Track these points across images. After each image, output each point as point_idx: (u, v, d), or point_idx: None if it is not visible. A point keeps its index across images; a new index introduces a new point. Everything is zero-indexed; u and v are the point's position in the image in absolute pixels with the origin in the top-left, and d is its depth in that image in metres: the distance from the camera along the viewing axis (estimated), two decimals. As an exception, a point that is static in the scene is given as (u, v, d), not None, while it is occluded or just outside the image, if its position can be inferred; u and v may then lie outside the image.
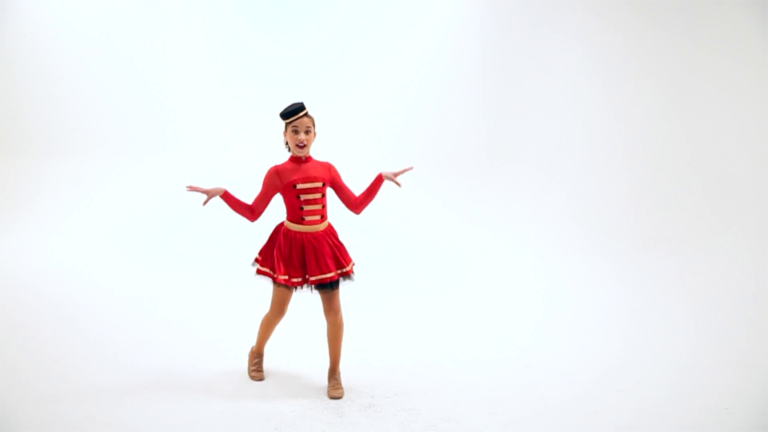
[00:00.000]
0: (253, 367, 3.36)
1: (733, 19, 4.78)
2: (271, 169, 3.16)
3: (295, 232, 3.11)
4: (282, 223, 3.20)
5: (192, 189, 3.20)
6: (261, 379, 3.30)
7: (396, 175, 3.14)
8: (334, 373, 3.21)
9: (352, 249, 3.25)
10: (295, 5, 7.66)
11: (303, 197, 3.07)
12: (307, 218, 3.09)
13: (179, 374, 3.34)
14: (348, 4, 7.54)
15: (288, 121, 3.08)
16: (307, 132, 3.07)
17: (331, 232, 3.17)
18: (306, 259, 3.08)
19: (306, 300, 4.76)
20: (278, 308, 3.22)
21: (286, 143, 3.16)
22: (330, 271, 3.06)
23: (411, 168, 3.15)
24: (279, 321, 3.29)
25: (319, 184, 3.09)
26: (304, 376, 3.35)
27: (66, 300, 4.66)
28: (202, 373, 3.36)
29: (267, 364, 3.51)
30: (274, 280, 3.12)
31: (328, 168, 3.16)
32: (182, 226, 6.58)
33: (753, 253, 4.49)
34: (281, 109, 3.12)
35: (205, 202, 3.25)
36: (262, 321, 3.34)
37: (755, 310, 4.11)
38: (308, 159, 3.14)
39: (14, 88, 7.54)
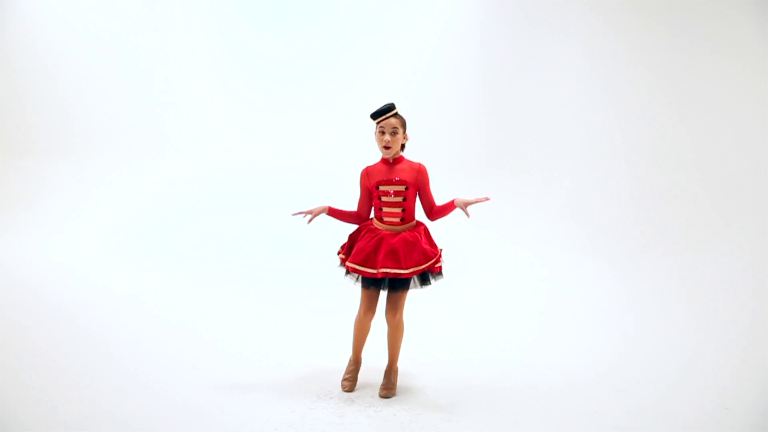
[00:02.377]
0: (346, 376, 3.22)
1: (733, 19, 4.77)
2: (363, 170, 3.18)
3: (377, 228, 3.12)
4: (370, 220, 3.19)
5: (297, 214, 3.24)
6: (349, 389, 3.16)
7: (467, 204, 3.08)
8: (389, 372, 3.18)
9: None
10: (295, 5, 7.66)
11: (384, 198, 3.08)
12: (386, 219, 3.09)
13: (179, 374, 3.34)
14: (348, 4, 7.54)
15: (376, 121, 3.06)
16: (393, 133, 3.04)
17: (415, 233, 3.08)
18: (378, 254, 3.02)
19: (306, 300, 4.77)
20: (364, 305, 3.13)
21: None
22: (399, 267, 2.98)
23: (487, 199, 3.10)
24: (369, 321, 3.16)
25: (401, 188, 3.07)
26: (304, 376, 3.35)
27: (66, 300, 4.66)
28: (202, 373, 3.36)
29: (267, 364, 3.51)
30: (342, 264, 3.12)
31: (417, 171, 3.10)
32: (182, 227, 6.58)
33: (753, 253, 4.49)
34: (372, 110, 3.10)
35: (309, 221, 3.24)
36: (354, 324, 3.24)
37: (755, 310, 4.10)
38: (398, 160, 3.11)
39: (15, 88, 7.54)
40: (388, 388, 3.13)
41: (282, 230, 6.42)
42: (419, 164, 3.12)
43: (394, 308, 3.09)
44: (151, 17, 7.59)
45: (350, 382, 3.19)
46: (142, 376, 3.29)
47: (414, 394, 3.15)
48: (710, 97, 4.92)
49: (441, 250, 3.18)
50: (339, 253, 3.23)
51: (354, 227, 3.26)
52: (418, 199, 3.18)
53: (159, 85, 7.62)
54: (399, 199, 3.06)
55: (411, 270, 3.00)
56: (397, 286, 3.05)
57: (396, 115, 3.06)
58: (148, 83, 7.60)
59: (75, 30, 7.51)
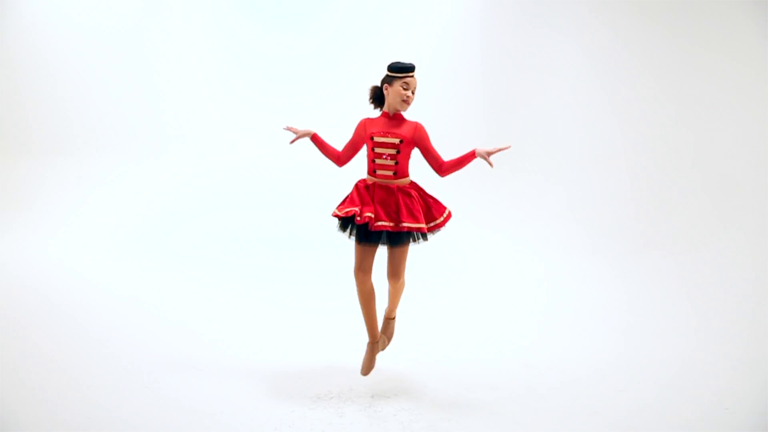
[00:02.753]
0: (366, 356, 3.23)
1: (733, 19, 4.77)
2: (362, 120, 3.23)
3: (367, 182, 3.13)
4: (360, 180, 3.18)
5: (288, 128, 3.39)
6: (365, 371, 3.19)
7: (489, 154, 3.15)
8: (386, 323, 3.33)
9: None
10: (295, 5, 7.66)
11: (377, 150, 3.10)
12: (379, 171, 3.11)
13: (179, 374, 3.34)
14: (348, 4, 7.54)
15: (400, 75, 3.09)
16: (413, 91, 3.12)
17: (408, 189, 3.09)
18: (375, 204, 3.03)
19: (306, 299, 4.77)
20: (357, 261, 3.11)
21: (373, 97, 3.23)
22: (389, 221, 2.99)
23: (508, 147, 3.17)
24: (368, 281, 3.12)
25: (396, 141, 3.09)
26: (304, 376, 3.35)
27: (66, 300, 4.66)
28: (202, 373, 3.36)
29: (267, 364, 3.50)
30: (336, 216, 3.08)
31: (415, 128, 3.13)
32: (182, 227, 6.58)
33: (753, 253, 4.49)
34: (390, 65, 3.15)
35: (292, 141, 3.37)
36: (358, 300, 3.19)
37: (755, 310, 4.10)
38: (398, 116, 3.15)
39: (15, 88, 7.53)
40: (388, 337, 3.31)
41: (282, 230, 6.42)
42: (417, 122, 3.16)
43: (395, 272, 3.10)
44: (151, 17, 7.59)
45: (370, 360, 3.20)
46: (142, 376, 3.29)
47: (414, 394, 3.14)
48: (710, 97, 4.92)
49: (449, 212, 3.16)
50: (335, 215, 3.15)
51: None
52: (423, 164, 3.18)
53: (159, 85, 7.61)
54: (393, 151, 3.08)
55: (400, 225, 3.00)
56: (395, 241, 3.03)
57: (414, 75, 3.13)
58: (148, 83, 7.60)
59: (75, 30, 7.50)
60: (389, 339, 3.35)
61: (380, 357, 3.60)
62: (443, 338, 3.99)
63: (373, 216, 2.98)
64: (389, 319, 3.39)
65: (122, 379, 3.26)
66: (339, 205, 3.13)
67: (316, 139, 3.33)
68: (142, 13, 7.57)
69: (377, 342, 3.25)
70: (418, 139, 3.12)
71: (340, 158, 3.27)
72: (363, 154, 3.25)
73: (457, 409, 2.97)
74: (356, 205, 3.01)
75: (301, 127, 3.34)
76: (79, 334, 3.94)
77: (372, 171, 3.14)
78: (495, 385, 3.25)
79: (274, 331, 4.09)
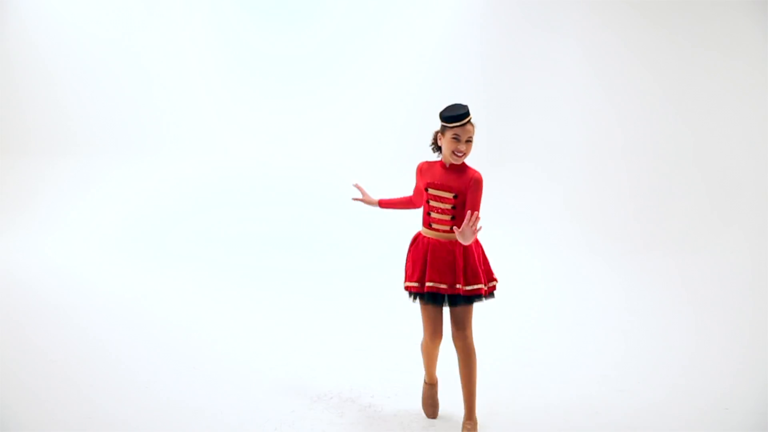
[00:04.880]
0: (428, 401, 2.98)
1: (733, 19, 4.78)
2: (420, 164, 2.91)
3: (423, 236, 2.87)
4: (417, 233, 2.93)
5: (356, 200, 3.13)
6: (432, 416, 2.94)
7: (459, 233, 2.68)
8: (470, 417, 2.79)
9: (354, 249, 3.23)
10: (295, 4, 7.66)
11: (432, 203, 2.80)
12: (435, 225, 2.81)
13: (179, 374, 3.34)
14: (348, 4, 7.54)
15: (450, 126, 2.74)
16: (468, 141, 2.76)
17: (465, 248, 2.80)
18: (426, 265, 2.78)
19: (306, 299, 4.77)
20: (428, 328, 2.85)
21: (435, 144, 2.86)
22: (445, 282, 2.74)
23: (476, 218, 2.69)
24: (437, 344, 2.89)
25: (450, 195, 2.77)
26: (304, 376, 3.35)
27: (65, 300, 4.65)
28: (202, 373, 3.36)
29: (267, 364, 3.50)
30: (407, 289, 2.85)
31: (470, 180, 2.76)
32: (181, 226, 6.58)
33: (753, 252, 4.49)
34: (442, 110, 2.80)
35: (355, 199, 3.13)
36: (420, 349, 2.98)
37: (755, 311, 4.11)
38: (459, 166, 2.82)
39: (15, 88, 7.54)
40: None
41: (282, 230, 6.42)
42: (476, 173, 2.81)
43: (459, 329, 2.80)
44: (150, 17, 7.59)
45: (433, 406, 2.97)
46: (142, 376, 3.29)
47: (414, 394, 3.14)
48: (710, 97, 4.93)
49: (496, 281, 2.95)
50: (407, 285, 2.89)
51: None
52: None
53: (158, 85, 7.62)
54: (448, 206, 2.77)
55: (456, 286, 2.75)
56: (459, 301, 2.78)
57: (471, 121, 2.78)
58: (148, 83, 7.60)
59: (75, 30, 7.51)
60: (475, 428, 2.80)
61: (380, 357, 3.60)
62: (442, 338, 3.98)
63: (417, 285, 2.79)
64: (472, 419, 2.80)
65: (122, 379, 3.26)
66: (405, 275, 2.88)
67: (383, 204, 3.10)
68: (140, 13, 7.57)
69: (435, 384, 3.01)
70: (474, 190, 2.77)
71: (413, 202, 3.01)
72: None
73: (458, 409, 2.97)
74: (416, 273, 2.80)
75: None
76: (78, 334, 3.94)
77: (428, 224, 2.83)
78: (495, 385, 3.25)
79: (274, 331, 4.09)
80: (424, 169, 2.88)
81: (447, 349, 2.87)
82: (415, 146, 3.25)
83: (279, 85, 7.56)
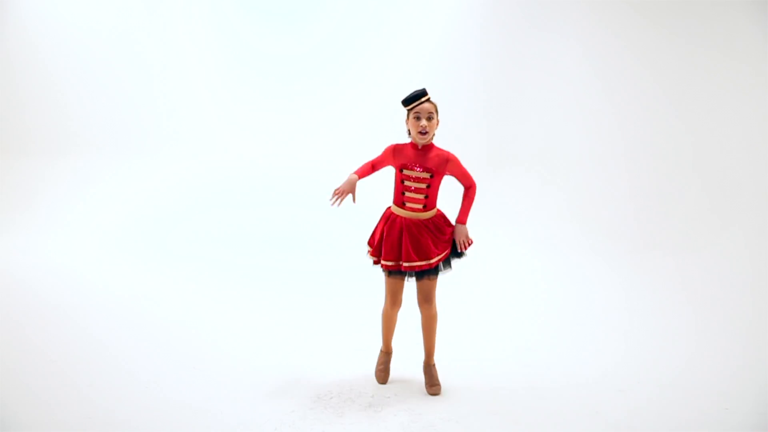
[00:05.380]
0: (380, 367, 3.30)
1: (734, 19, 4.78)
2: (391, 145, 3.09)
3: (396, 215, 3.06)
4: (389, 207, 3.14)
5: (334, 203, 3.03)
6: (383, 381, 3.26)
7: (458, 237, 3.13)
8: (428, 367, 3.22)
9: (354, 249, 3.25)
10: (295, 4, 7.66)
11: (406, 183, 3.00)
12: (408, 204, 3.02)
13: (179, 374, 3.34)
14: (348, 4, 7.54)
15: (409, 107, 2.99)
16: (429, 118, 2.97)
17: (435, 220, 3.06)
18: (402, 245, 3.00)
19: (306, 299, 4.77)
20: (391, 299, 3.15)
21: (408, 131, 3.07)
22: (424, 259, 2.98)
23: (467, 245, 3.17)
24: (396, 312, 3.21)
25: (426, 175, 2.99)
26: (304, 376, 3.35)
27: (65, 300, 4.65)
28: (202, 373, 3.36)
29: (267, 364, 3.51)
30: (376, 263, 3.11)
31: (446, 160, 3.03)
32: (181, 226, 6.58)
33: (753, 253, 4.49)
34: (403, 97, 3.05)
35: (355, 200, 3.10)
36: (381, 316, 3.28)
37: (755, 311, 4.11)
38: (428, 147, 3.04)
39: (15, 88, 7.54)
40: (433, 384, 3.16)
41: (282, 230, 6.42)
42: (448, 153, 3.05)
43: (427, 299, 3.08)
44: (150, 17, 7.59)
45: (384, 373, 3.27)
46: (142, 376, 3.29)
47: (414, 394, 3.15)
48: (710, 97, 4.92)
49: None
50: (370, 252, 3.17)
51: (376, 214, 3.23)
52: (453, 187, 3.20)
53: (158, 85, 7.62)
54: (423, 185, 3.00)
55: (436, 259, 3.00)
56: (425, 273, 3.03)
57: (429, 99, 3.00)
58: (148, 83, 7.60)
59: (75, 30, 7.51)
60: (434, 386, 3.16)
61: (371, 355, 3.60)
62: (443, 338, 3.98)
63: (414, 264, 2.98)
64: (430, 366, 3.25)
65: (122, 379, 3.26)
66: (370, 238, 3.16)
67: (361, 176, 3.11)
68: (139, 13, 7.57)
69: (390, 353, 3.33)
70: (452, 168, 3.06)
71: (375, 166, 3.16)
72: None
73: (457, 409, 2.97)
74: (380, 246, 3.06)
75: (339, 185, 3.04)
76: (78, 334, 3.94)
77: (401, 203, 3.05)
78: (495, 385, 3.25)
79: (274, 331, 4.09)
80: (396, 150, 3.05)
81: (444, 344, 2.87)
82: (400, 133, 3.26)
83: (279, 85, 7.57)
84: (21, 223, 6.73)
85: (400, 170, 3.01)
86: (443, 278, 3.18)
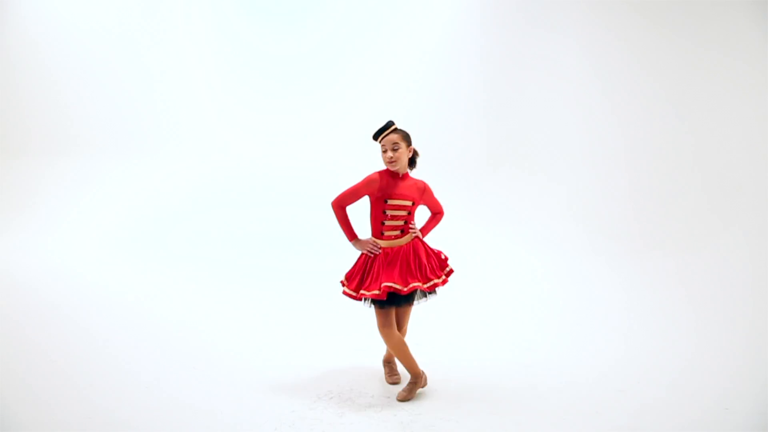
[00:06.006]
0: (407, 391, 3.14)
1: (733, 19, 4.78)
2: (374, 174, 3.10)
3: (385, 248, 3.10)
4: (362, 254, 3.16)
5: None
6: (397, 382, 3.28)
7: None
8: (388, 361, 3.38)
9: (354, 248, 3.24)
10: (295, 4, 7.66)
11: (389, 212, 3.08)
12: (386, 233, 3.09)
13: (179, 374, 3.34)
14: (348, 4, 7.54)
15: (377, 141, 3.11)
16: (394, 149, 3.05)
17: (416, 246, 3.13)
18: (401, 267, 3.05)
19: (306, 299, 4.77)
20: (383, 323, 3.06)
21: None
22: (431, 279, 3.07)
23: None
24: (396, 336, 3.08)
25: (409, 203, 3.11)
26: (304, 376, 3.35)
27: (65, 300, 4.66)
28: (202, 373, 3.36)
29: (267, 364, 3.51)
30: (355, 298, 3.10)
31: (423, 190, 3.17)
32: (181, 226, 6.58)
33: (753, 253, 4.49)
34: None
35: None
36: (395, 346, 3.09)
37: (755, 311, 4.11)
38: (405, 176, 3.14)
39: (14, 88, 7.54)
40: (394, 374, 3.32)
41: (283, 229, 6.42)
42: (422, 182, 3.19)
43: (405, 322, 3.26)
44: (150, 16, 7.59)
45: (395, 375, 3.34)
46: (142, 377, 3.29)
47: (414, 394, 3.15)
48: (710, 97, 4.92)
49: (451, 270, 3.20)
50: (347, 286, 3.15)
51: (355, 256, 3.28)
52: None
53: (159, 85, 7.62)
54: (404, 213, 3.10)
55: (411, 285, 3.01)
56: (402, 301, 3.06)
57: (395, 130, 3.07)
58: (148, 83, 7.60)
59: (75, 29, 7.51)
60: (413, 393, 3.13)
61: (381, 357, 3.60)
62: (443, 338, 3.99)
63: (403, 288, 3.00)
64: (391, 359, 3.41)
65: (122, 379, 3.26)
66: (352, 281, 3.12)
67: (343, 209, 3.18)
68: (139, 14, 7.57)
69: (420, 379, 3.16)
70: (426, 198, 3.21)
71: (341, 206, 3.14)
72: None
73: (457, 409, 2.97)
74: (388, 278, 3.00)
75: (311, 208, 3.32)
76: (78, 334, 3.94)
77: (379, 233, 3.10)
78: (495, 385, 3.25)
79: (274, 331, 4.09)
80: (380, 181, 3.07)
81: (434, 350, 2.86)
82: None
83: (279, 85, 7.57)
84: (21, 223, 6.73)
85: (384, 200, 3.07)
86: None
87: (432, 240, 3.34)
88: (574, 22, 5.83)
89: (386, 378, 3.31)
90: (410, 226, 3.13)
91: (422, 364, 3.50)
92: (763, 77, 4.63)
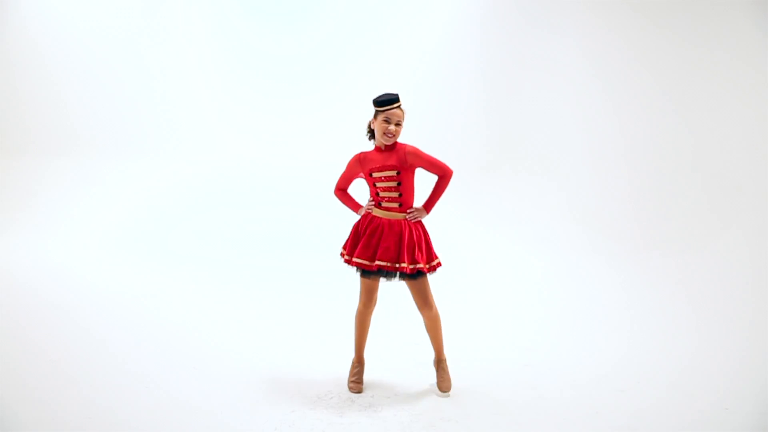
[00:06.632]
0: (353, 378, 3.22)
1: (734, 20, 4.78)
2: (355, 155, 3.17)
3: (374, 216, 3.13)
4: (368, 213, 3.18)
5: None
6: (357, 391, 3.15)
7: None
8: (439, 363, 3.23)
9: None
10: (293, 4, 7.66)
11: (378, 185, 3.09)
12: (384, 204, 3.10)
13: (179, 374, 3.34)
14: (348, 4, 7.54)
15: (381, 109, 3.04)
16: (397, 124, 3.04)
17: (404, 226, 3.08)
18: (380, 243, 3.05)
19: (306, 299, 4.77)
20: (366, 297, 3.17)
21: (369, 131, 3.16)
22: (402, 261, 3.00)
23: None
24: (370, 313, 3.21)
25: (393, 173, 3.05)
26: (304, 376, 3.35)
27: (65, 300, 4.66)
28: (202, 373, 3.36)
29: (267, 364, 3.50)
30: (348, 262, 3.13)
31: (405, 153, 3.05)
32: (181, 226, 6.58)
33: (753, 253, 4.49)
34: (375, 97, 3.10)
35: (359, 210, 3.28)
36: (355, 319, 3.26)
37: (755, 310, 4.10)
38: (390, 147, 3.09)
39: (14, 88, 7.54)
40: (444, 379, 3.17)
41: (283, 229, 6.42)
42: (406, 145, 3.09)
43: (425, 302, 3.12)
44: (150, 16, 7.59)
45: (357, 383, 3.19)
46: (142, 376, 3.29)
47: (414, 394, 3.15)
48: (710, 96, 4.92)
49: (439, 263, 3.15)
50: (343, 253, 3.20)
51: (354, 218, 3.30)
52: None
53: (158, 85, 7.62)
54: (393, 183, 3.06)
55: (411, 266, 3.01)
56: (406, 276, 3.04)
57: (401, 106, 3.07)
58: (148, 82, 7.60)
59: (75, 30, 7.51)
60: (447, 382, 3.18)
61: (381, 357, 3.60)
62: (443, 338, 3.98)
63: (368, 263, 3.05)
64: (440, 361, 3.25)
65: (122, 379, 3.26)
66: (353, 248, 3.15)
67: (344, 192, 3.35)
68: (140, 13, 7.57)
69: (363, 363, 3.27)
70: (414, 160, 3.07)
71: (343, 189, 3.31)
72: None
73: (457, 409, 2.97)
74: (361, 244, 3.08)
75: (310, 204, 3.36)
76: (78, 334, 3.94)
77: (378, 204, 3.13)
78: (495, 385, 3.25)
79: (274, 331, 4.09)
80: (362, 159, 3.13)
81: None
82: (415, 144, 3.25)
83: (279, 85, 7.56)
84: (21, 223, 6.73)
85: (369, 174, 3.10)
86: (448, 278, 3.19)
87: (431, 240, 3.29)
88: (574, 22, 5.83)
89: (437, 384, 3.20)
90: (408, 210, 3.08)
91: (422, 364, 3.51)
92: (763, 77, 4.63)
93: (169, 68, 7.63)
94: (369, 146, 3.21)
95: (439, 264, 3.13)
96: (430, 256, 3.10)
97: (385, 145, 3.08)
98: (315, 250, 5.95)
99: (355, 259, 3.08)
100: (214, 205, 6.93)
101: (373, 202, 3.15)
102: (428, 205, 3.14)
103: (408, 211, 3.09)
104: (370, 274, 3.08)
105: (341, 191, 3.28)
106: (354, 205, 3.26)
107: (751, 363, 3.52)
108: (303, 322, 4.30)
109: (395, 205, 3.08)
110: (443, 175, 3.12)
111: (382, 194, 3.09)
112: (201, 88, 7.68)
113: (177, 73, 7.64)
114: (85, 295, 4.77)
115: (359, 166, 3.14)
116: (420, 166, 3.10)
